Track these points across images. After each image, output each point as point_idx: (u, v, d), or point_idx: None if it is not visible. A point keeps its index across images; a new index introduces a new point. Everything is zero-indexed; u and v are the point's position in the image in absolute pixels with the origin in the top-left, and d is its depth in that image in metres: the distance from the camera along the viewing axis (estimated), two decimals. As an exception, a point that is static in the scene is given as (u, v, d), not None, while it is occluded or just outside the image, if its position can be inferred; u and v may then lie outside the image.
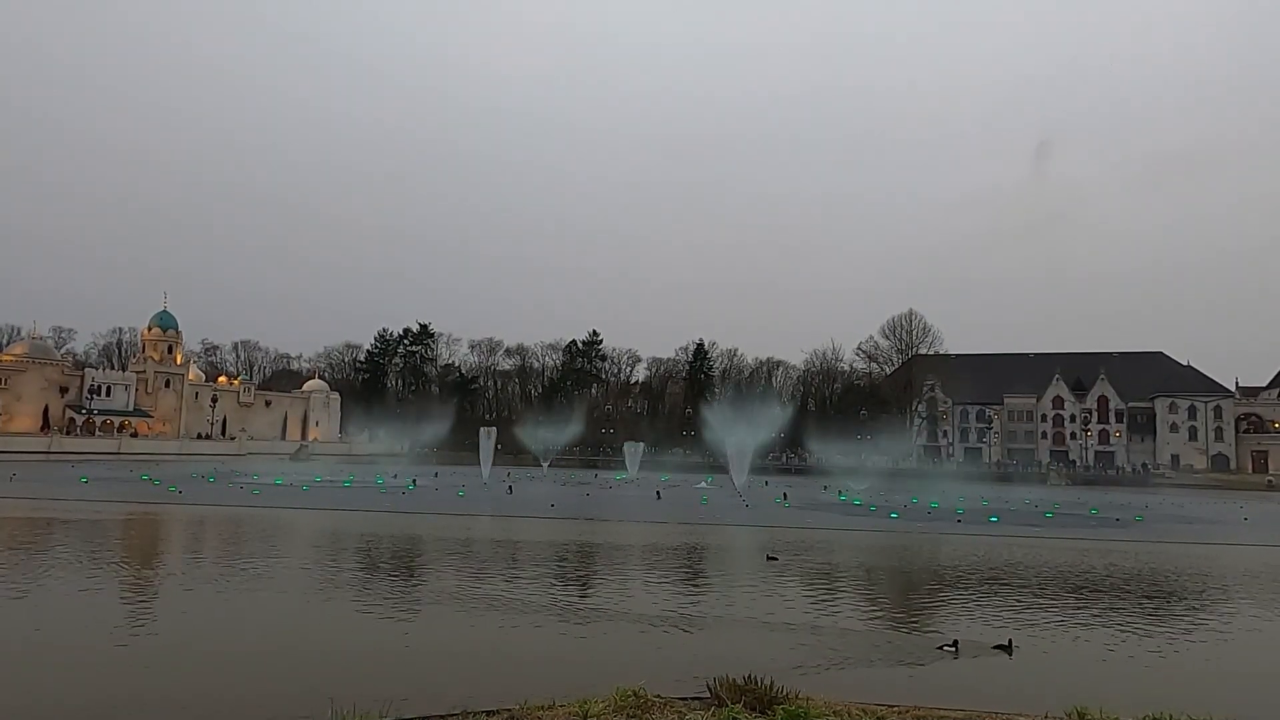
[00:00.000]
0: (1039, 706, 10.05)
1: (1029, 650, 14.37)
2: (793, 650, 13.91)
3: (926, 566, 25.82)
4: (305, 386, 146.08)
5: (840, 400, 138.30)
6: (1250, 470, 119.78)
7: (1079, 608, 18.84)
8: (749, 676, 9.59)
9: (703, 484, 67.23)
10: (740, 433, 64.56)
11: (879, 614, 18.17)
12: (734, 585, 20.74)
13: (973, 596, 20.24)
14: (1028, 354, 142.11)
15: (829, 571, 23.74)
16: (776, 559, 24.38)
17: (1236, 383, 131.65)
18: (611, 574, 22.81)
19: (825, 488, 65.44)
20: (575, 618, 16.30)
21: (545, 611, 16.74)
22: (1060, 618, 17.60)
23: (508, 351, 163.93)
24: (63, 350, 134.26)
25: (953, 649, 13.95)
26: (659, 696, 9.51)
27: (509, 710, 9.28)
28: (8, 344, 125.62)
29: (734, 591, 19.75)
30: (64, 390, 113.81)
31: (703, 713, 8.98)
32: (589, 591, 19.78)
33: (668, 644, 14.40)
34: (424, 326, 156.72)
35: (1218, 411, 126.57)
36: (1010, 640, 14.52)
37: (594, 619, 16.28)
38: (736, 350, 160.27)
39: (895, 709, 9.71)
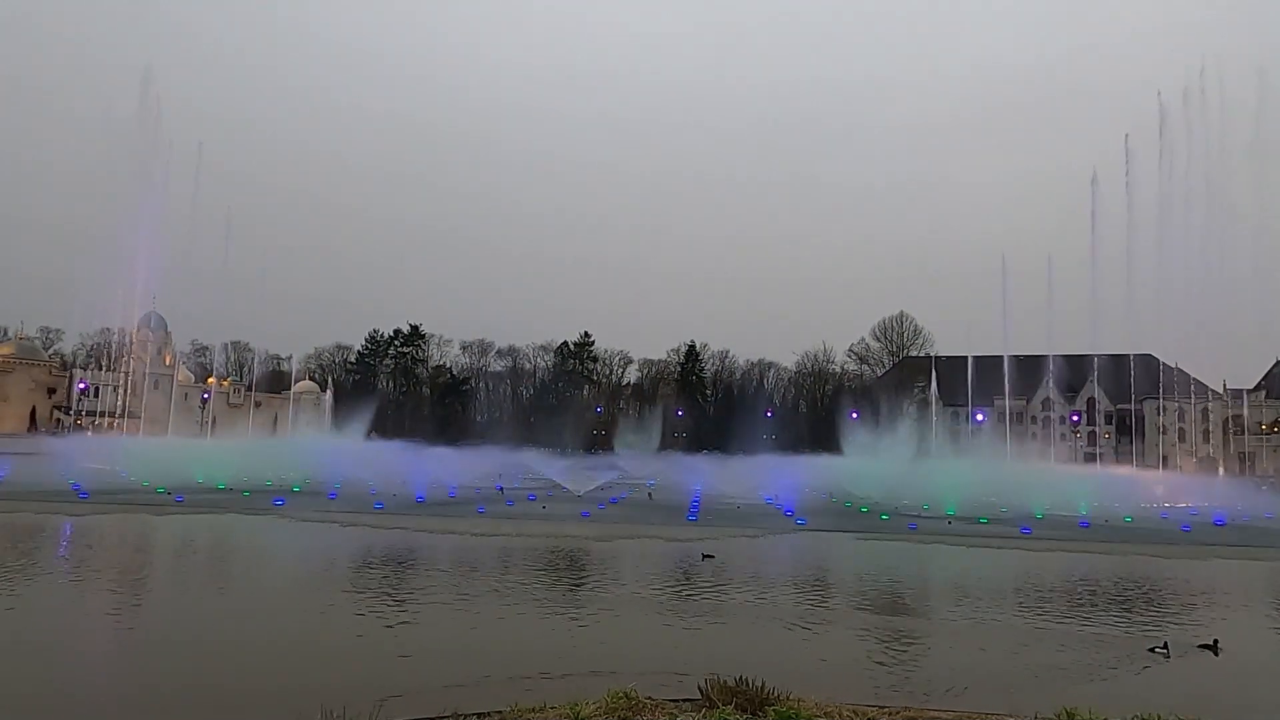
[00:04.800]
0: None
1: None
2: (999, 661, 13.90)
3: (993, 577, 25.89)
4: (295, 388, 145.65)
5: (831, 402, 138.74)
6: (1238, 472, 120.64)
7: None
8: (740, 678, 9.58)
9: (696, 486, 67.22)
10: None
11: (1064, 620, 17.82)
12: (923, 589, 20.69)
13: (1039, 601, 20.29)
14: (1018, 356, 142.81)
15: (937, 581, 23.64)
16: (713, 557, 24.46)
17: (1224, 385, 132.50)
18: (606, 575, 22.79)
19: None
20: (570, 619, 16.27)
21: (539, 613, 16.71)
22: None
23: (499, 353, 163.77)
24: (50, 351, 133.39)
25: (1164, 650, 13.92)
26: (650, 698, 9.49)
27: (500, 712, 9.25)
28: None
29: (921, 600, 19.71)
30: (51, 391, 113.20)
31: (694, 714, 8.96)
32: (583, 592, 19.75)
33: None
34: (415, 327, 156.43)
35: (1205, 414, 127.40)
36: (1216, 640, 14.48)
37: (590, 620, 16.26)
38: (728, 352, 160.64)
39: (886, 709, 9.73)
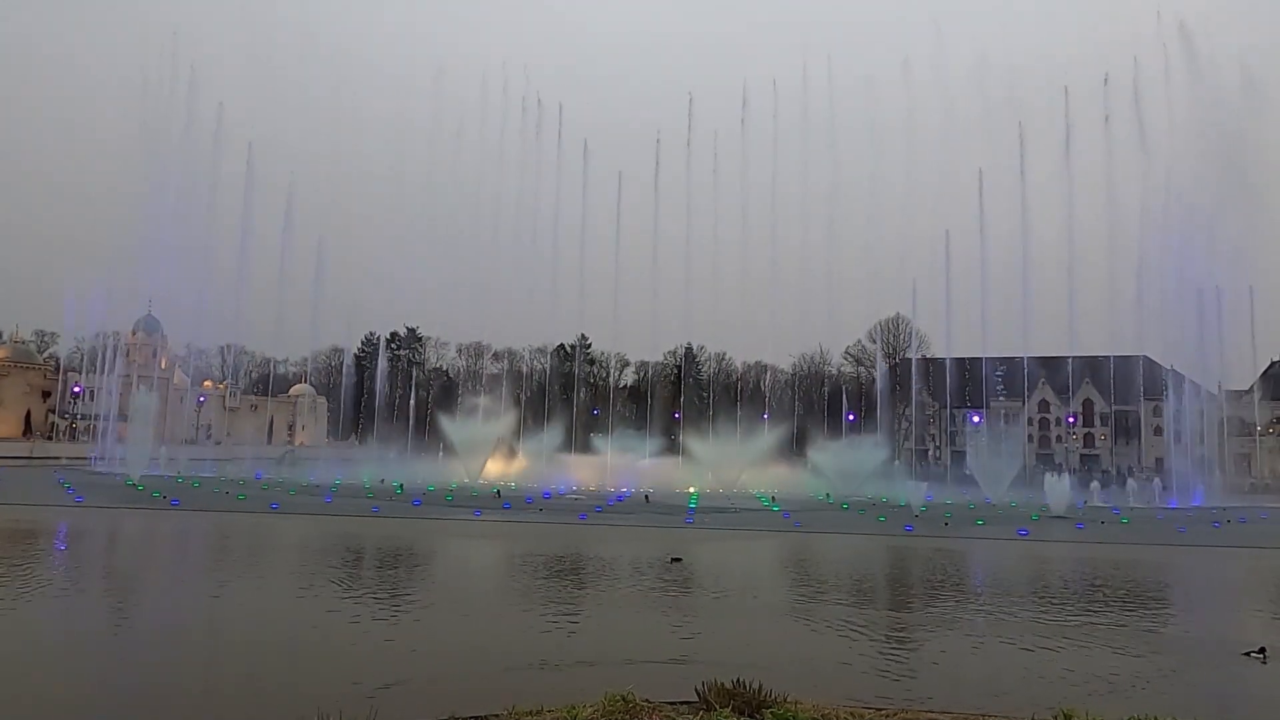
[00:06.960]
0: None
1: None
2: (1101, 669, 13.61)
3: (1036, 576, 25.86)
4: (291, 391, 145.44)
5: (828, 404, 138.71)
6: (1233, 473, 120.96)
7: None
8: (738, 680, 9.55)
9: (692, 488, 67.31)
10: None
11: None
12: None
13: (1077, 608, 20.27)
14: (1015, 358, 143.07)
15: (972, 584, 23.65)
16: (680, 560, 24.75)
17: (1220, 386, 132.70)
18: (602, 576, 22.76)
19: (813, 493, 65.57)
20: (566, 619, 16.24)
21: (535, 612, 16.67)
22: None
23: (495, 355, 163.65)
24: (45, 354, 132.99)
25: (1260, 655, 13.79)
26: (647, 701, 9.45)
27: (497, 715, 9.21)
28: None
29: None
30: (46, 394, 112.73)
31: (691, 717, 8.92)
32: (579, 592, 19.72)
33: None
34: (412, 330, 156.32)
35: (1201, 415, 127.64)
36: None
37: (585, 620, 16.22)
38: (725, 354, 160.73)
39: (884, 711, 9.70)
